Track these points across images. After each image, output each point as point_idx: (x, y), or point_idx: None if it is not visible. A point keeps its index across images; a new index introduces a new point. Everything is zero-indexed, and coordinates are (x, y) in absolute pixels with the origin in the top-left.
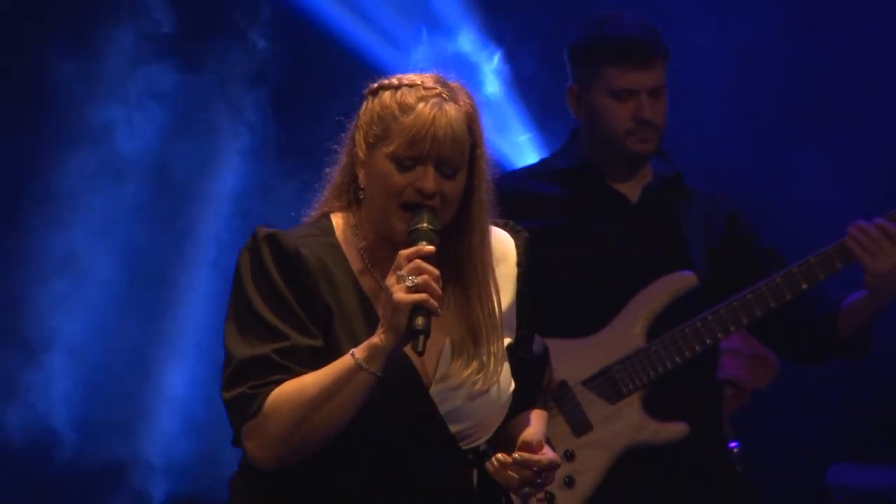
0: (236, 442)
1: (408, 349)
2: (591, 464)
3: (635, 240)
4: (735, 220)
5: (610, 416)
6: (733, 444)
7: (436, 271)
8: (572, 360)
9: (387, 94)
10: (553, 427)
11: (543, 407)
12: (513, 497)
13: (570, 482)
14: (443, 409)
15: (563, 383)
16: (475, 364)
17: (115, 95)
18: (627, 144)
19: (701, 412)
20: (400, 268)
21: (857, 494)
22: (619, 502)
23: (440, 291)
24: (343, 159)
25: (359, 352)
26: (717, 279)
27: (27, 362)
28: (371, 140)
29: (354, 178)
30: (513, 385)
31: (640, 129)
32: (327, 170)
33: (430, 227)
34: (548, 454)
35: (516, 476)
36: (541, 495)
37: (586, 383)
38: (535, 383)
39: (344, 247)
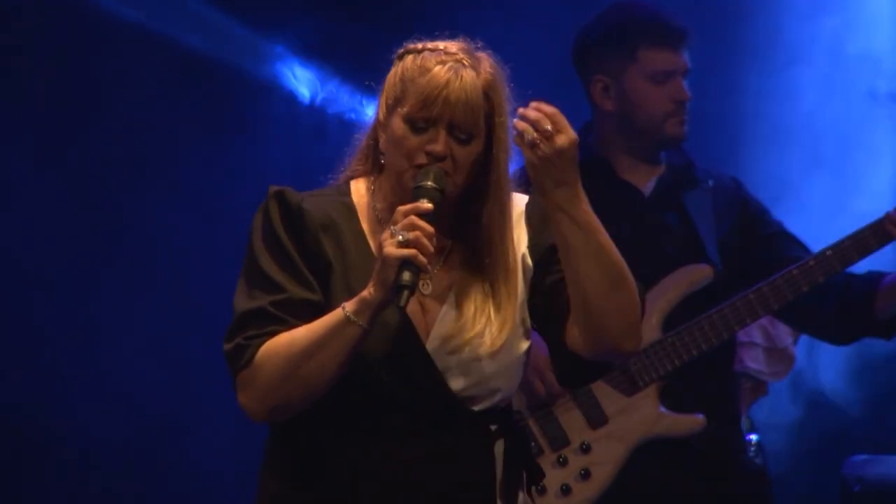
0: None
1: (411, 306)
2: (608, 456)
3: (649, 232)
4: (745, 207)
5: (626, 408)
6: (751, 436)
7: (429, 228)
8: None
9: (409, 58)
10: (569, 419)
11: None
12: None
13: (586, 474)
14: (440, 364)
15: None
16: (479, 326)
17: None
18: (666, 128)
19: (718, 404)
20: (396, 223)
21: (874, 486)
22: (635, 494)
23: (432, 249)
24: (370, 123)
25: (349, 305)
26: (731, 269)
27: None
28: (390, 102)
29: (377, 141)
30: (525, 345)
31: (678, 110)
32: (356, 135)
33: (433, 185)
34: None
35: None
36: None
37: (602, 376)
38: None
39: (358, 207)
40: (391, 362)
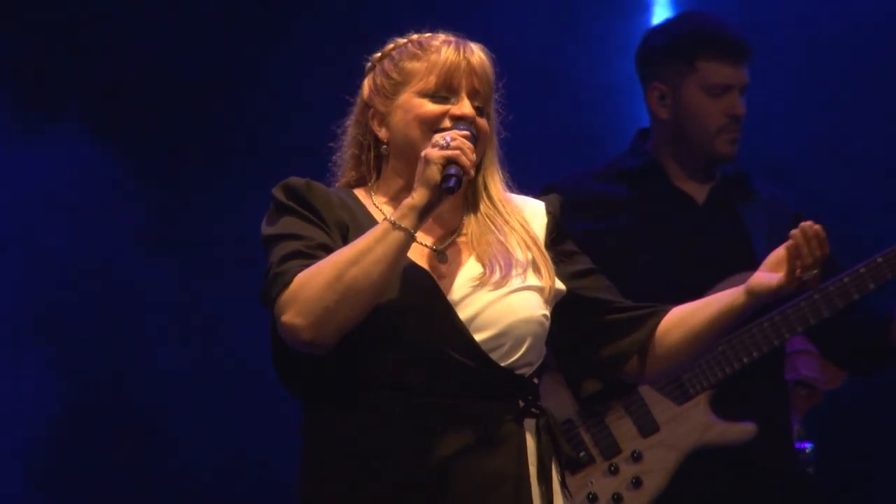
0: (272, 324)
1: (425, 261)
2: (659, 464)
3: (701, 240)
4: (799, 223)
5: (677, 416)
6: (805, 445)
7: (470, 144)
8: None
9: (394, 53)
10: (620, 428)
11: None
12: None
13: (637, 483)
14: (463, 315)
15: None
16: (489, 275)
17: None
18: (716, 145)
19: (768, 412)
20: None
21: None
22: (686, 503)
23: (474, 157)
24: (350, 133)
25: (393, 213)
26: None
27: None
28: (389, 89)
29: (367, 146)
30: (542, 311)
31: (731, 126)
32: (335, 157)
33: (465, 129)
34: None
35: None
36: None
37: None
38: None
39: (362, 200)
40: (416, 315)
